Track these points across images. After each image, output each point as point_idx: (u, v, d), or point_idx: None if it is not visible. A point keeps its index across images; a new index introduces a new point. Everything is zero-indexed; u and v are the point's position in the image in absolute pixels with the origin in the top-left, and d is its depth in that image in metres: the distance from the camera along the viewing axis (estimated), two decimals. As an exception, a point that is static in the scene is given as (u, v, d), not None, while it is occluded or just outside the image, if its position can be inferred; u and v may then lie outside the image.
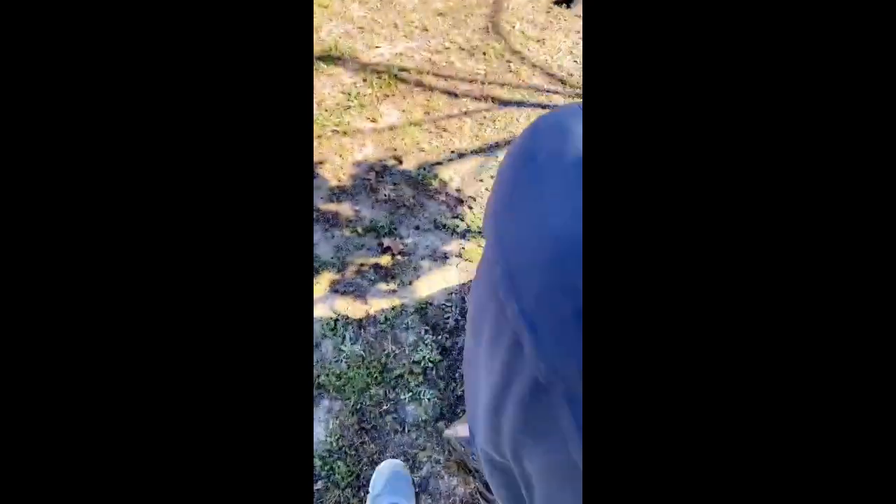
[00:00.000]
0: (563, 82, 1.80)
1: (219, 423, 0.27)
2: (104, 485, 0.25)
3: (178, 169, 0.26)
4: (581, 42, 1.90)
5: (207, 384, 0.26)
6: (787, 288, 0.23)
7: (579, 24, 2.00)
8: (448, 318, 1.28)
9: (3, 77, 0.24)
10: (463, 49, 1.90)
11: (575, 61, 1.86)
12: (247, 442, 0.27)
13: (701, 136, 0.24)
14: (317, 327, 1.25)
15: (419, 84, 1.78)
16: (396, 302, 1.30)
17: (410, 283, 1.33)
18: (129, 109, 0.25)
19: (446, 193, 1.51)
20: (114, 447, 0.26)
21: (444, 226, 1.44)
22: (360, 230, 1.42)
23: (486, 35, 1.95)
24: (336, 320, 1.26)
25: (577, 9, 2.05)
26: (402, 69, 1.82)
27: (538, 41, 1.93)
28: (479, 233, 1.43)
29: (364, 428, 1.15)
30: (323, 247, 1.38)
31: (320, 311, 1.28)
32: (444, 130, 1.65)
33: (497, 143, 1.63)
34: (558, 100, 1.75)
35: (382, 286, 1.32)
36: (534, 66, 1.85)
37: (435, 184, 1.52)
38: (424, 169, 1.55)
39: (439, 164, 1.57)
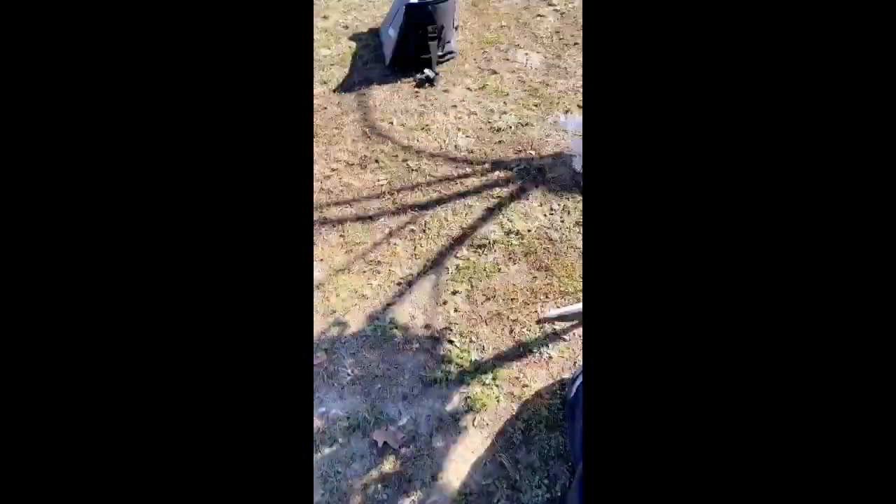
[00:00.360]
0: (468, 162, 1.68)
1: None
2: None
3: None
4: (465, 114, 1.83)
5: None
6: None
7: (451, 97, 1.93)
8: (497, 500, 1.01)
9: (3, 77, 0.27)
10: (352, 164, 1.69)
11: (466, 136, 1.77)
12: None
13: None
14: None
15: (325, 222, 1.52)
16: (431, 514, 0.99)
17: (434, 477, 1.03)
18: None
19: (417, 338, 1.25)
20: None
21: (435, 380, 1.17)
22: (340, 438, 1.09)
23: (368, 141, 1.77)
24: (369, 587, 0.91)
25: (441, 84, 1.99)
26: (296, 211, 1.55)
27: (423, 129, 1.81)
28: (477, 369, 1.19)
29: None
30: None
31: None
32: (378, 263, 1.41)
33: (440, 252, 1.43)
34: (474, 182, 1.62)
35: (405, 501, 1.00)
36: (432, 155, 1.71)
37: (398, 333, 1.26)
38: (377, 320, 1.28)
39: (391, 305, 1.32)
